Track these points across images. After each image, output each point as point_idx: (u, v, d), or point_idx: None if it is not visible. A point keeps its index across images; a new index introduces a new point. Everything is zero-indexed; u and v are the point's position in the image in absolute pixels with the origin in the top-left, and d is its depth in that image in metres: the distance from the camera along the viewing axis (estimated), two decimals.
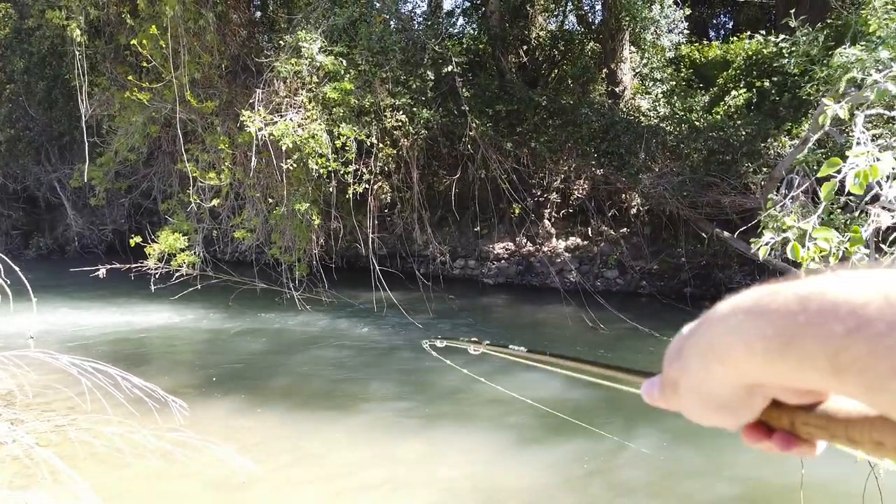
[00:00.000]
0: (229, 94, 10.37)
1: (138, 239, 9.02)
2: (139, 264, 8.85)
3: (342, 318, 9.30)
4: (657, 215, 10.66)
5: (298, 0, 10.39)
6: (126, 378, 4.13)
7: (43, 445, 3.99)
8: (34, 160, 14.95)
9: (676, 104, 11.34)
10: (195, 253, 9.69)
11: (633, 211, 10.97)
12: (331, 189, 9.71)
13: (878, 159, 2.36)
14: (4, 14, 13.59)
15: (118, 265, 8.51)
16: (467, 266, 11.96)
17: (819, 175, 2.51)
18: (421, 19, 12.03)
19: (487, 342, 1.16)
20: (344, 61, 9.25)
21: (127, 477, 4.26)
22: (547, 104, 11.28)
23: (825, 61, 7.33)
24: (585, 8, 13.57)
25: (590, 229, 11.38)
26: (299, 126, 8.86)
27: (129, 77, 9.88)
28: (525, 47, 13.21)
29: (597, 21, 13.27)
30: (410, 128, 10.01)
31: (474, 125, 10.30)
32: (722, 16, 17.83)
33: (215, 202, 10.03)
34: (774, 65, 9.91)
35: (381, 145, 9.92)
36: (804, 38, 7.65)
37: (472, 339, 1.22)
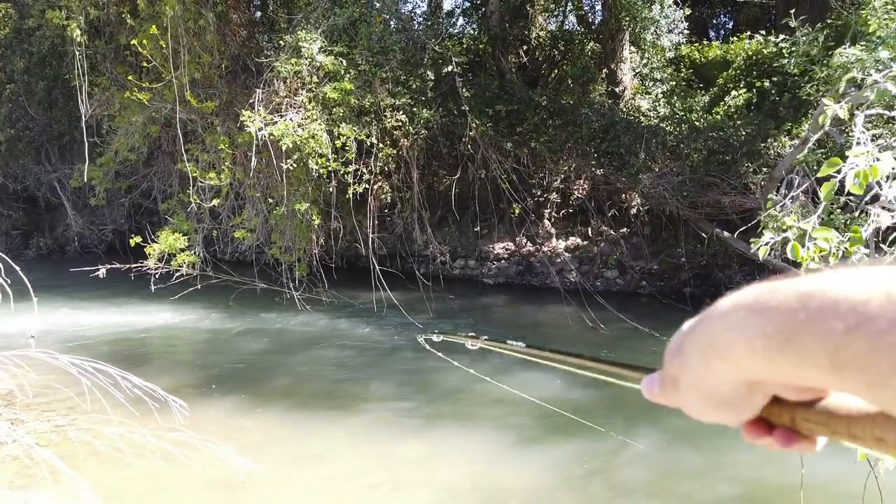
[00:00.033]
0: (229, 94, 10.37)
1: (138, 239, 9.02)
2: (139, 264, 8.85)
3: (342, 318, 9.30)
4: (657, 215, 10.66)
5: (298, 0, 10.39)
6: (126, 378, 4.13)
7: (43, 445, 4.00)
8: (34, 160, 14.95)
9: (676, 104, 11.33)
10: (195, 253, 9.69)
11: (633, 211, 10.97)
12: (331, 189, 9.71)
13: (877, 159, 2.36)
14: (4, 14, 13.59)
15: (118, 265, 8.51)
16: (467, 266, 11.96)
17: (819, 175, 2.51)
18: (421, 19, 12.03)
19: (485, 337, 1.15)
20: (344, 61, 9.25)
21: (127, 477, 4.26)
22: (547, 104, 11.28)
23: (825, 61, 7.33)
24: (585, 8, 13.56)
25: (590, 229, 11.38)
26: (299, 126, 8.86)
27: (129, 77, 9.89)
28: (525, 47, 13.21)
29: (597, 21, 13.28)
30: (410, 128, 10.01)
31: (474, 125, 10.30)
32: (722, 16, 17.83)
33: (215, 202, 10.03)
34: (774, 65, 9.91)
35: (381, 145, 9.92)
36: (804, 38, 7.65)
37: (470, 333, 1.20)
